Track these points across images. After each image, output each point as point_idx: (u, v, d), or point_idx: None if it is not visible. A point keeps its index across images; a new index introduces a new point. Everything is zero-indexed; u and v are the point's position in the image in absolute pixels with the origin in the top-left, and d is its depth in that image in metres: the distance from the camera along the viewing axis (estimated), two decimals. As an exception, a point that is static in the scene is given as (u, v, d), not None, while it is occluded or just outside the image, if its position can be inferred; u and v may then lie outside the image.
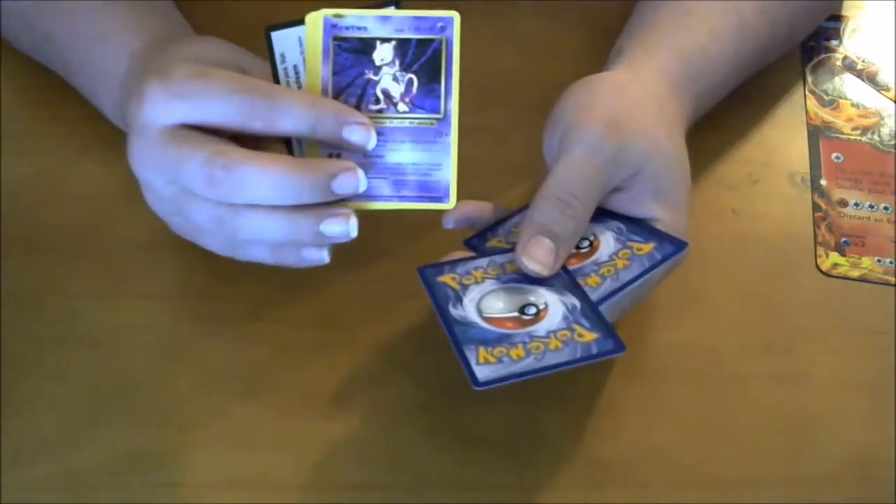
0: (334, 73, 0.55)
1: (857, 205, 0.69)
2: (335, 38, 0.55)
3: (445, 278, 0.57)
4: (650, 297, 0.61)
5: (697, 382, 0.62)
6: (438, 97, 0.55)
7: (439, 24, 0.55)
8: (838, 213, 0.68)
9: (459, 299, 0.56)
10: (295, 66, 0.55)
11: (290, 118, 0.52)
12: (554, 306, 0.55)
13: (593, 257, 0.57)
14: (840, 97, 0.73)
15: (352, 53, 0.55)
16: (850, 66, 0.75)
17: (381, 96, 0.55)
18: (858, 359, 0.63)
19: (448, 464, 0.59)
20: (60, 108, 0.68)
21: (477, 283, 0.57)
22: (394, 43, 0.55)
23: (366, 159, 0.55)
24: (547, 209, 0.56)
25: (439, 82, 0.55)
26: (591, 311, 0.54)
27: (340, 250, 0.65)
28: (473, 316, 0.55)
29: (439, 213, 0.62)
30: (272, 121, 0.52)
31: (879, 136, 0.72)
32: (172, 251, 0.65)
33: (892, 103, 0.73)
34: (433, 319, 0.63)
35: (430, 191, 0.56)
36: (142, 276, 0.64)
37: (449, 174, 0.56)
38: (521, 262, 0.56)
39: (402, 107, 0.55)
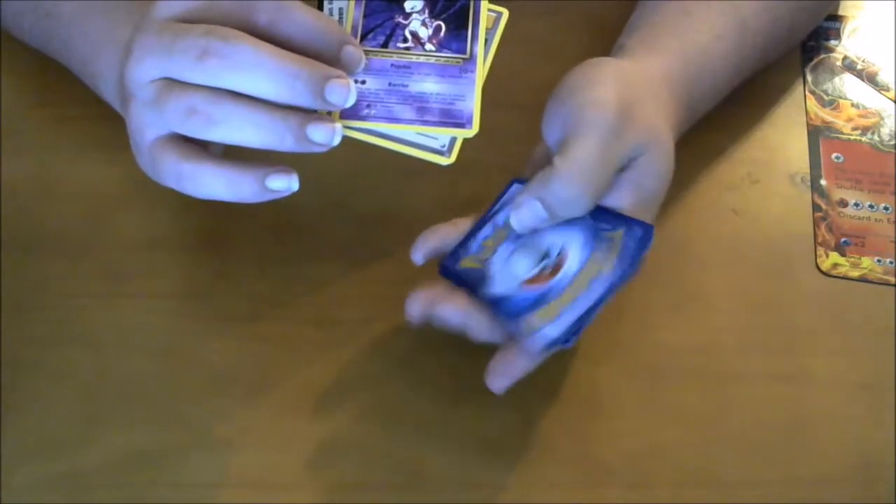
0: (365, 16, 0.57)
1: (857, 205, 0.69)
2: None
3: (465, 263, 0.58)
4: (650, 297, 0.62)
5: (697, 382, 0.62)
6: (465, 41, 0.57)
7: None
8: (838, 213, 0.68)
9: (487, 277, 0.57)
10: (341, 9, 0.57)
11: (293, 23, 0.53)
12: (570, 241, 0.56)
13: (561, 273, 0.56)
14: (840, 97, 0.73)
15: (384, 1, 0.57)
16: (850, 66, 0.75)
17: (409, 36, 0.57)
18: (858, 359, 0.63)
19: (448, 464, 0.59)
20: (60, 108, 0.68)
21: (493, 253, 0.58)
22: None
23: (391, 87, 0.56)
24: (563, 187, 0.56)
25: (466, 28, 0.57)
26: (602, 213, 0.56)
27: (340, 250, 0.65)
28: (511, 286, 0.56)
29: (438, 215, 0.62)
30: (276, 19, 0.53)
31: (879, 136, 0.72)
32: (172, 251, 0.65)
33: (892, 103, 0.73)
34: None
35: (454, 117, 0.56)
36: (142, 276, 0.64)
37: (472, 104, 0.56)
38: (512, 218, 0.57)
39: (429, 46, 0.57)
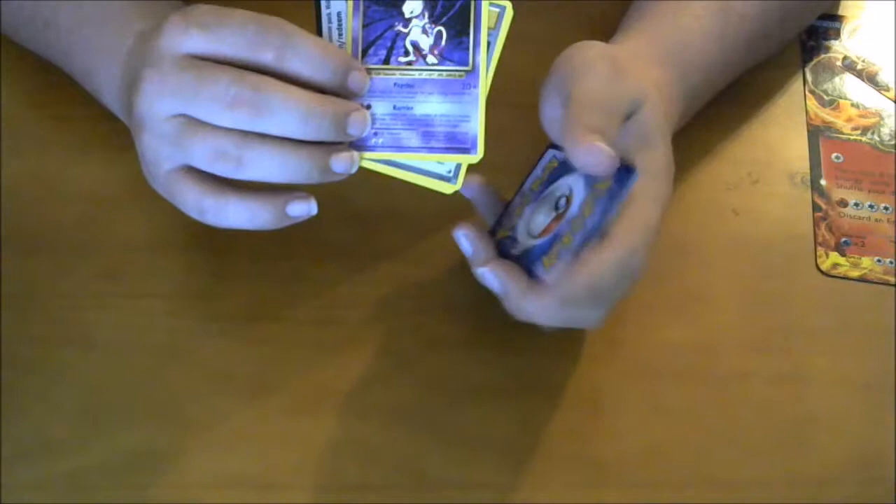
0: (364, 26, 0.56)
1: (857, 205, 0.69)
2: None
3: (500, 234, 0.60)
4: (651, 297, 0.62)
5: (697, 382, 0.62)
6: (467, 49, 0.56)
7: None
8: (838, 213, 0.68)
9: (515, 239, 0.58)
10: (339, 14, 0.56)
11: (299, 58, 0.54)
12: (575, 183, 0.57)
13: (567, 214, 0.57)
14: (840, 97, 0.73)
15: (382, 6, 0.56)
16: (850, 66, 0.75)
17: (410, 48, 0.56)
18: (858, 359, 0.63)
19: (448, 464, 0.59)
20: (60, 108, 0.68)
21: (520, 217, 0.59)
22: None
23: (396, 111, 0.56)
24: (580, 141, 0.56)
25: (468, 34, 0.56)
26: None
27: (341, 250, 0.65)
28: (528, 242, 0.58)
29: (438, 215, 0.62)
30: (283, 55, 0.53)
31: (879, 136, 0.72)
32: (172, 251, 0.65)
33: (892, 103, 0.73)
34: (433, 319, 0.63)
35: (459, 142, 0.57)
36: (142, 276, 0.64)
37: (476, 126, 0.57)
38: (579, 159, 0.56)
39: (431, 59, 0.56)
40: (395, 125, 0.57)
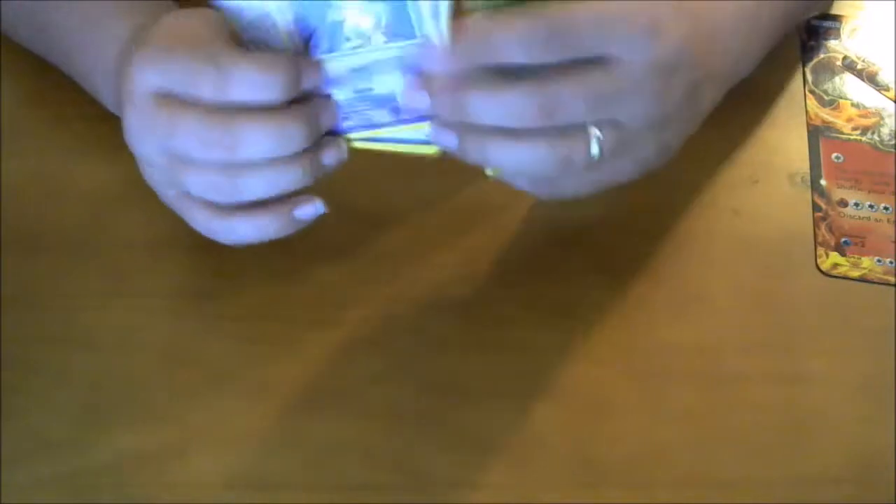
0: (297, 20, 0.53)
1: (857, 205, 0.69)
2: None
3: None
4: (650, 297, 0.61)
5: (697, 382, 0.62)
6: (410, 20, 0.53)
7: None
8: (838, 213, 0.68)
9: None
10: (249, 23, 0.54)
11: (239, 85, 0.52)
12: None
13: None
14: (840, 97, 0.73)
15: None
16: (850, 66, 0.75)
17: (351, 35, 0.53)
18: (858, 359, 0.63)
19: (448, 464, 0.59)
20: (60, 108, 0.68)
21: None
22: None
23: (357, 93, 0.55)
24: None
25: (405, 2, 0.52)
26: None
27: (340, 250, 0.65)
28: None
29: (438, 215, 0.62)
30: (221, 88, 0.52)
31: (879, 136, 0.72)
32: (172, 251, 0.65)
33: (892, 103, 0.73)
34: (433, 319, 0.63)
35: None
36: (142, 276, 0.64)
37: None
38: None
39: (377, 38, 0.53)
40: (361, 106, 0.55)
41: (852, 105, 0.73)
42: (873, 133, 0.72)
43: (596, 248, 0.65)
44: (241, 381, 0.61)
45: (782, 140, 0.71)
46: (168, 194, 0.58)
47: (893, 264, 0.66)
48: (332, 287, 0.64)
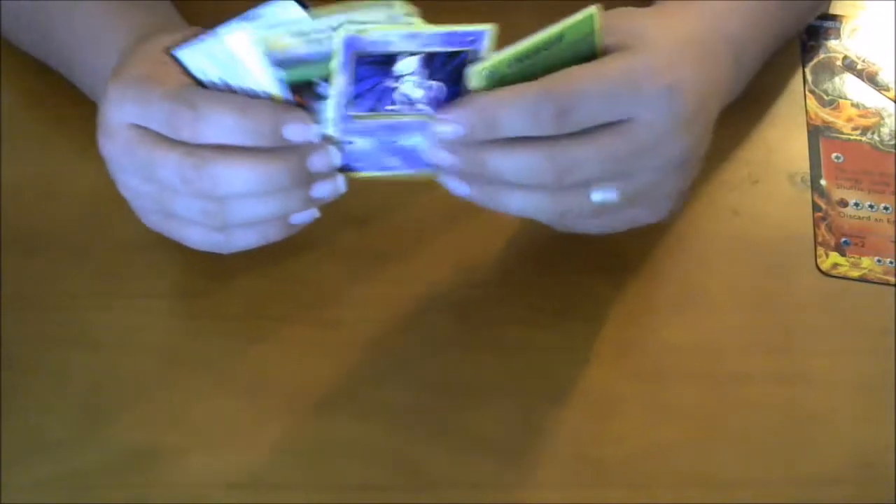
0: (350, 83, 0.52)
1: (857, 205, 0.69)
2: (355, 54, 0.50)
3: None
4: (650, 298, 0.61)
5: (698, 382, 0.62)
6: (460, 94, 0.53)
7: (470, 38, 0.51)
8: (838, 213, 0.68)
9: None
10: (221, 79, 0.52)
11: (214, 129, 0.51)
12: None
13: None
14: (840, 97, 0.73)
15: (372, 66, 0.51)
16: (850, 66, 0.75)
17: (399, 100, 0.53)
18: (858, 359, 0.63)
19: (448, 464, 0.59)
20: (60, 108, 0.68)
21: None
22: (419, 57, 0.51)
23: (379, 144, 0.54)
24: None
25: (461, 87, 0.53)
26: None
27: (340, 250, 0.65)
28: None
29: (438, 215, 0.62)
30: (197, 132, 0.51)
31: (879, 136, 0.72)
32: (173, 251, 0.64)
33: (892, 103, 0.73)
34: (433, 319, 0.63)
35: None
36: (142, 276, 0.64)
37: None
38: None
39: (420, 107, 0.54)
40: (377, 154, 0.55)
41: (852, 105, 0.73)
42: (873, 133, 0.72)
43: (596, 248, 0.65)
44: (241, 381, 0.61)
45: (782, 140, 0.71)
46: (154, 220, 0.58)
47: (893, 264, 0.66)
48: (331, 287, 0.64)
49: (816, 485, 0.59)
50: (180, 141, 0.52)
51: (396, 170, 0.56)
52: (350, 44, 0.50)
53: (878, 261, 0.67)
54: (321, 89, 0.52)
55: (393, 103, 0.53)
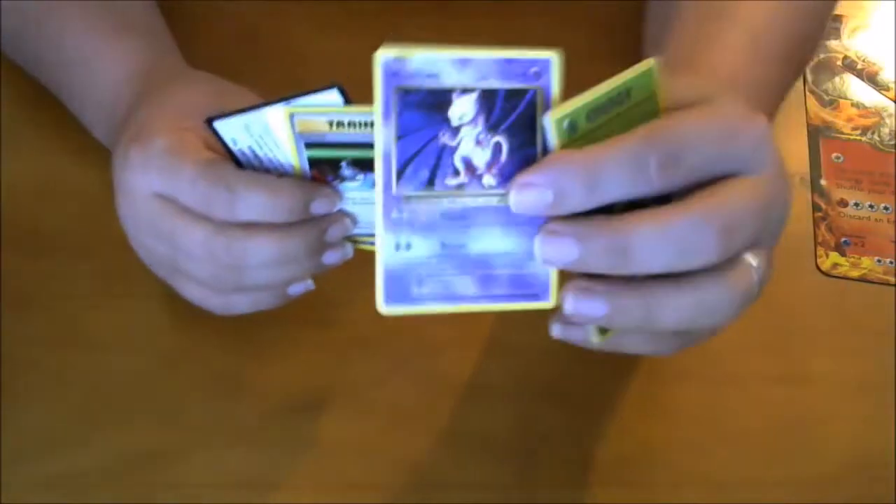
0: (398, 138, 0.43)
1: (857, 205, 0.69)
2: (398, 90, 0.42)
3: None
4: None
5: (697, 382, 0.62)
6: (535, 154, 0.44)
7: (533, 70, 0.43)
8: (838, 213, 0.68)
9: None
10: (250, 147, 0.52)
11: (250, 209, 0.51)
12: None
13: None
14: (840, 97, 0.73)
15: (421, 110, 0.42)
16: (850, 66, 0.75)
17: (460, 167, 0.44)
18: (858, 359, 0.63)
19: (448, 464, 0.59)
20: (60, 108, 0.68)
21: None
22: (476, 95, 0.43)
23: (444, 251, 0.45)
24: None
25: (535, 145, 0.44)
26: None
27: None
28: None
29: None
30: (233, 211, 0.52)
31: (879, 136, 0.72)
32: (172, 251, 0.65)
33: (892, 103, 0.73)
34: (433, 319, 0.63)
35: (526, 287, 0.46)
36: (142, 276, 0.64)
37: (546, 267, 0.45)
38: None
39: (487, 179, 0.44)
40: (443, 269, 0.45)
41: (852, 105, 0.73)
42: (873, 133, 0.72)
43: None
44: (241, 381, 0.61)
45: (782, 140, 0.71)
46: (161, 271, 0.58)
47: (893, 264, 0.66)
48: (331, 287, 0.64)
49: (816, 485, 0.59)
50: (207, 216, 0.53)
51: (469, 302, 0.46)
52: (391, 73, 0.42)
53: (878, 261, 0.67)
54: (345, 171, 0.50)
55: (456, 174, 0.44)
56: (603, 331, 0.47)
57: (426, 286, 0.45)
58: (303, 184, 0.52)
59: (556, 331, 0.49)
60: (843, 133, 0.72)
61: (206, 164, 0.52)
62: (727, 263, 0.45)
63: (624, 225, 0.43)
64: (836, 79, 0.74)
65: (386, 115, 0.42)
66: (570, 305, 0.45)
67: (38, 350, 0.61)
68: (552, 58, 0.43)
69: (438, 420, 0.60)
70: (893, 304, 0.65)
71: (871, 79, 0.74)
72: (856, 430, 0.61)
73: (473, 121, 0.43)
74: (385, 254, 0.45)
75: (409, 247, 0.44)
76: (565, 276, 0.46)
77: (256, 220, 0.52)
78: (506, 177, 0.44)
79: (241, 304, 0.57)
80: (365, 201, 0.52)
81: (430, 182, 0.44)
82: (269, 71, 0.71)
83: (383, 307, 0.45)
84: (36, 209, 0.66)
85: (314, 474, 0.58)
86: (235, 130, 0.51)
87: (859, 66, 0.75)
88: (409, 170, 0.43)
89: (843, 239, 0.67)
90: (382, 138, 0.43)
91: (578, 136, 0.44)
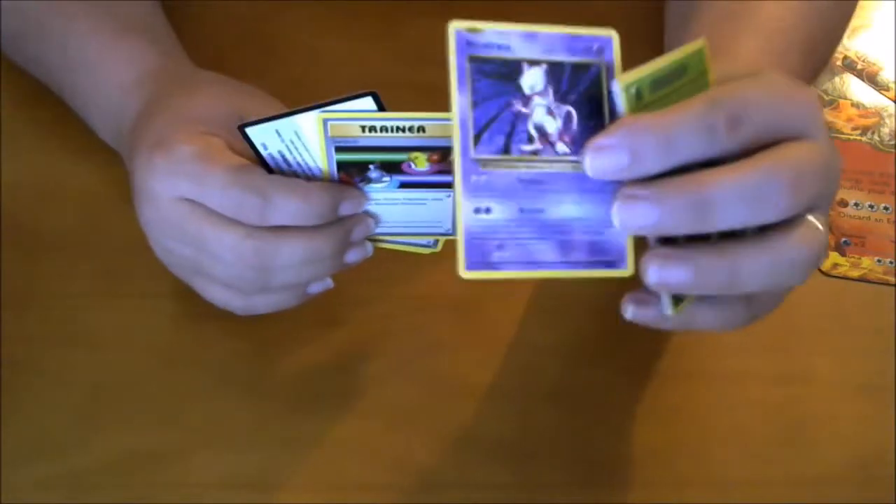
0: (474, 105, 0.44)
1: (857, 205, 0.69)
2: (472, 59, 0.44)
3: None
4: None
5: (698, 382, 0.62)
6: (604, 121, 0.46)
7: (595, 46, 0.46)
8: (838, 213, 0.68)
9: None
10: (280, 152, 0.53)
11: (282, 214, 0.52)
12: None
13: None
14: (840, 97, 0.73)
15: (494, 79, 0.44)
16: (850, 66, 0.75)
17: (534, 134, 0.45)
18: (858, 359, 0.63)
19: (448, 464, 0.59)
20: (60, 108, 0.68)
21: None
22: (544, 67, 0.45)
23: (522, 215, 0.45)
24: None
25: (602, 117, 0.45)
26: None
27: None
28: None
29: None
30: (265, 216, 0.52)
31: (879, 136, 0.72)
32: (172, 251, 0.65)
33: (892, 103, 0.73)
34: (433, 319, 0.63)
35: (603, 254, 0.46)
36: (142, 276, 0.64)
37: (624, 233, 0.46)
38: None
39: (560, 147, 0.45)
40: (523, 234, 0.45)
41: (852, 105, 0.73)
42: (873, 133, 0.72)
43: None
44: (241, 381, 0.61)
45: (782, 140, 0.71)
46: (182, 273, 0.58)
47: (893, 264, 0.66)
48: (332, 287, 0.64)
49: (816, 485, 0.59)
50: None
51: (549, 268, 0.46)
52: (464, 43, 0.44)
53: (878, 261, 0.67)
54: (372, 174, 0.53)
55: (530, 140, 0.45)
56: (677, 303, 0.47)
57: (507, 251, 0.45)
58: (332, 187, 0.53)
59: (630, 312, 0.49)
60: (843, 133, 0.72)
61: (237, 171, 0.53)
62: (797, 221, 0.46)
63: (702, 178, 0.44)
64: (836, 79, 0.74)
65: (461, 83, 0.44)
66: (654, 274, 0.45)
67: (38, 350, 0.61)
68: (613, 36, 0.46)
69: (438, 420, 0.60)
70: (893, 304, 0.65)
71: (871, 79, 0.74)
72: (856, 430, 0.61)
73: (544, 91, 0.45)
74: (466, 217, 0.45)
75: (488, 210, 0.45)
76: (640, 249, 0.46)
77: (287, 224, 0.53)
78: (578, 144, 0.45)
79: (263, 304, 0.57)
80: (388, 201, 0.54)
81: (506, 148, 0.45)
82: (271, 71, 0.71)
83: (465, 272, 0.45)
84: (36, 209, 0.66)
85: (314, 474, 0.58)
86: (266, 136, 0.52)
87: (859, 66, 0.75)
88: (485, 135, 0.44)
89: (843, 239, 0.67)
90: (458, 106, 0.44)
91: (643, 105, 0.45)
